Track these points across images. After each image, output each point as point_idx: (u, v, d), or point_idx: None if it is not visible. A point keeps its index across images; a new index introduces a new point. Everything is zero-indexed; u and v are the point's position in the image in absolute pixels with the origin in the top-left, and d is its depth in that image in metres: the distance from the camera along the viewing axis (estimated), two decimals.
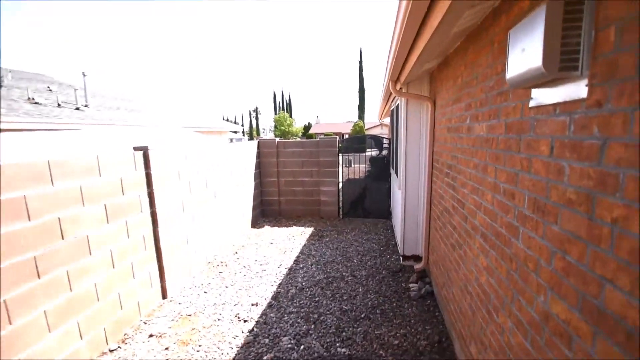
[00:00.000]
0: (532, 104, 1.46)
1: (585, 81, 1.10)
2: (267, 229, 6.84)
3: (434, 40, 2.17)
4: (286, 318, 3.53)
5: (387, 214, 7.37)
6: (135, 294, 3.52)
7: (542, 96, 1.38)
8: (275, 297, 3.99)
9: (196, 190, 4.77)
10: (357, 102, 50.98)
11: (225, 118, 76.41)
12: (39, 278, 2.45)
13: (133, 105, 14.55)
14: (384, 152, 8.14)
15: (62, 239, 2.67)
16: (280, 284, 4.34)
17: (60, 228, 2.66)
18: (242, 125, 73.08)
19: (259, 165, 7.40)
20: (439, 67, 3.60)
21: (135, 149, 3.64)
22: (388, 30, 2.59)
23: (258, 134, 67.94)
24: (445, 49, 2.91)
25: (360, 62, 49.61)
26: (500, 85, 1.83)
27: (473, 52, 2.35)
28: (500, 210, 1.83)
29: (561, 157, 1.24)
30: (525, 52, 1.25)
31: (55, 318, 2.57)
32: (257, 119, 72.52)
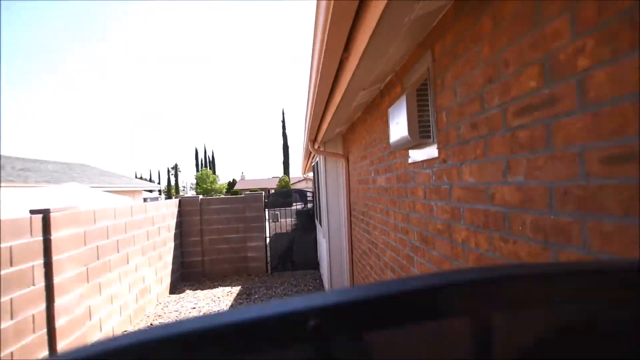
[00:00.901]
0: (410, 160, 1.95)
1: (436, 145, 1.59)
2: (188, 293, 6.28)
3: (339, 111, 2.69)
4: None
5: (315, 265, 7.53)
6: None
7: (415, 155, 1.87)
8: None
9: (105, 255, 4.28)
10: (282, 159, 52.75)
11: (139, 176, 70.09)
12: None
13: (29, 164, 12.54)
14: (309, 205, 8.56)
15: None
16: None
17: None
18: (159, 183, 67.67)
19: (180, 225, 7.00)
20: (349, 130, 4.27)
21: (33, 212, 3.23)
22: (306, 95, 3.07)
23: (177, 193, 63.42)
24: (351, 117, 3.53)
25: (283, 121, 52.68)
26: (390, 147, 2.36)
27: (370, 121, 2.95)
28: (400, 245, 2.22)
29: (430, 199, 1.68)
30: (399, 124, 1.74)
31: None
32: (176, 176, 68.28)
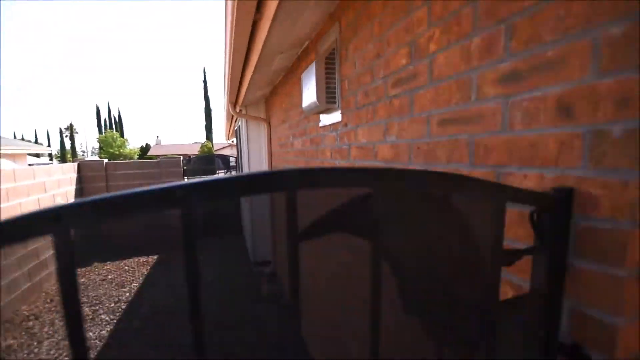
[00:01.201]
0: (321, 124, 2.15)
1: (340, 110, 1.80)
2: (97, 265, 5.80)
3: (258, 74, 2.70)
4: (128, 351, 3.22)
5: (240, 230, 7.61)
6: None
7: (324, 119, 2.07)
8: (114, 335, 3.54)
9: None
10: (204, 123, 49.03)
11: (19, 137, 57.54)
12: None
13: None
14: (233, 172, 8.41)
15: None
16: (119, 321, 3.86)
17: None
18: (49, 146, 56.78)
19: (80, 192, 6.22)
20: (271, 94, 4.27)
21: None
22: (223, 55, 2.97)
23: (75, 157, 54.28)
24: (272, 81, 3.55)
25: (205, 81, 48.27)
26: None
27: (290, 85, 3.04)
28: None
29: (335, 159, 1.91)
30: (309, 90, 1.89)
31: None
32: (72, 139, 58.02)
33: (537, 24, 0.69)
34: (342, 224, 0.46)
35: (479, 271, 0.55)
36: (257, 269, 5.10)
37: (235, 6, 1.58)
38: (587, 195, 0.61)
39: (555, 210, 0.62)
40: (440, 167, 1.01)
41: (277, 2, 1.46)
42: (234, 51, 2.25)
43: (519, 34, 0.73)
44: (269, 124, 4.49)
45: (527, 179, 0.72)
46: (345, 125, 1.74)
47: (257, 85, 3.32)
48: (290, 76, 2.98)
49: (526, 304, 0.65)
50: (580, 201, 0.62)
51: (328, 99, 1.79)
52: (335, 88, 1.81)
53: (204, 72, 47.75)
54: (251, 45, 2.20)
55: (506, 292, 0.75)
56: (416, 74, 1.10)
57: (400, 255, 0.49)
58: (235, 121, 6.36)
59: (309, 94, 1.88)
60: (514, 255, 0.61)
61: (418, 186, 0.47)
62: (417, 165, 1.13)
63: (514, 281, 0.76)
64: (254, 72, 2.63)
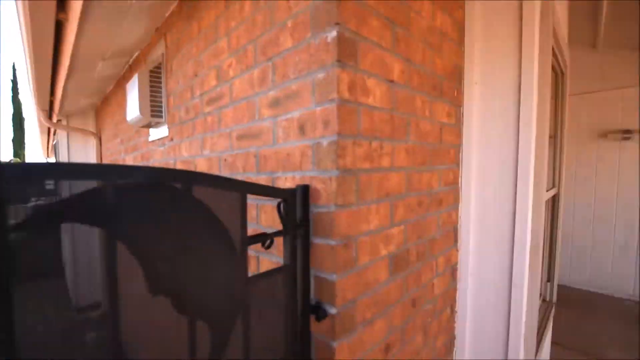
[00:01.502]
0: (150, 139, 2.04)
1: (167, 125, 1.78)
2: None
3: (76, 79, 2.35)
4: None
5: (60, 268, 6.02)
6: None
7: (154, 134, 1.98)
8: None
9: None
10: (12, 135, 37.03)
11: None
12: None
13: None
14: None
15: None
16: None
17: None
18: None
19: None
20: (103, 103, 3.72)
21: None
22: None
23: None
24: (100, 88, 3.12)
25: (15, 81, 36.99)
26: (132, 125, 2.33)
27: (121, 94, 2.76)
28: None
29: None
30: (133, 102, 1.79)
31: None
32: None
33: (286, 65, 0.92)
34: (69, 214, 0.50)
35: (227, 251, 0.68)
36: (81, 317, 4.14)
37: (27, 4, 1.37)
38: (315, 189, 0.85)
39: (295, 201, 0.83)
40: (239, 176, 1.16)
41: (81, 4, 1.36)
42: (35, 50, 1.90)
43: (278, 70, 0.96)
44: (100, 139, 3.87)
45: (287, 180, 0.94)
46: (172, 139, 1.73)
47: (78, 92, 2.85)
48: (122, 86, 2.71)
49: (278, 277, 0.82)
50: (312, 194, 0.85)
51: (153, 112, 1.74)
52: (161, 102, 1.78)
53: (14, 69, 36.62)
54: (60, 47, 1.91)
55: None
56: (222, 94, 1.24)
57: (142, 241, 0.57)
58: (55, 134, 5.17)
59: (133, 106, 1.78)
60: (264, 238, 0.77)
61: (143, 180, 0.56)
62: (224, 174, 1.25)
63: (280, 260, 0.94)
64: (69, 78, 2.26)
